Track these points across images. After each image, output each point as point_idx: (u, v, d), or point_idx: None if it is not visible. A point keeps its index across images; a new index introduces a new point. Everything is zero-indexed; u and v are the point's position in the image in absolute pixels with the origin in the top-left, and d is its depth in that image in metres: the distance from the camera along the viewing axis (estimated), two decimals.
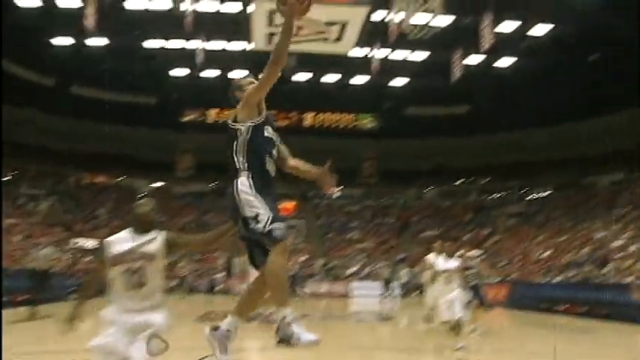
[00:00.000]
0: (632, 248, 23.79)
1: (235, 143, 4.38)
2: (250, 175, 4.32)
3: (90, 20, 24.44)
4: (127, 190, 38.61)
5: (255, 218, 4.16)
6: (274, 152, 4.47)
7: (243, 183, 4.28)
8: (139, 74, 34.00)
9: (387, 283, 30.38)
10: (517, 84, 32.81)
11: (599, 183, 35.58)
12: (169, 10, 25.99)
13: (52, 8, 26.80)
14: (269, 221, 4.15)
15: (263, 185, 4.30)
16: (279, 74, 4.29)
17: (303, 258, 33.18)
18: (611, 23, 25.07)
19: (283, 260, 4.18)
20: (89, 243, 30.50)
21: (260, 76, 4.36)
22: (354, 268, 34.04)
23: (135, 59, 32.40)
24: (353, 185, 41.15)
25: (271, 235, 4.13)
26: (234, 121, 4.42)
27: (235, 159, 4.38)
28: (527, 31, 27.87)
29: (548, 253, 28.90)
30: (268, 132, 4.48)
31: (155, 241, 4.44)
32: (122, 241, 4.42)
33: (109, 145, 38.06)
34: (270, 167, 4.43)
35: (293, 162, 4.67)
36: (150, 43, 30.94)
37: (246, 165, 4.35)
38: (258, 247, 4.31)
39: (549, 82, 31.74)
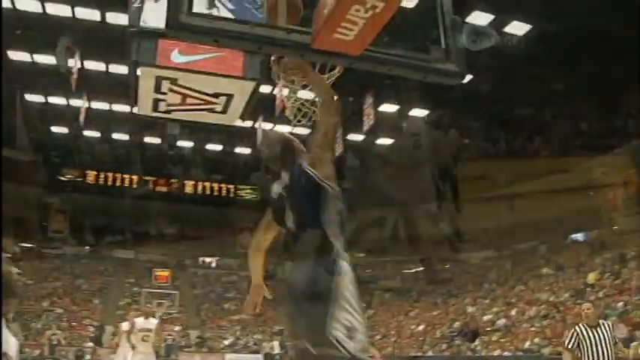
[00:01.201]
0: (500, 322, 24.84)
1: (325, 206, 3.25)
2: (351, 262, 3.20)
3: None
4: None
5: (349, 331, 2.98)
6: None
7: (349, 274, 3.13)
8: (17, 128, 32.58)
9: (267, 356, 29.96)
10: (396, 162, 34.08)
11: (470, 259, 37.14)
12: (55, 66, 25.39)
13: None
14: (362, 348, 2.99)
15: None
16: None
17: (177, 328, 32.18)
18: (479, 107, 26.89)
19: None
20: None
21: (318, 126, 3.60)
22: (230, 340, 33.29)
23: (14, 112, 31.11)
24: (231, 255, 40.70)
25: None
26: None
27: (330, 230, 3.21)
28: (408, 112, 29.36)
29: (421, 327, 29.59)
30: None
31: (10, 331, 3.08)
32: None
33: None
34: None
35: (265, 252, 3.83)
36: (31, 97, 29.92)
37: (343, 244, 3.23)
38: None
39: (426, 161, 33.06)
